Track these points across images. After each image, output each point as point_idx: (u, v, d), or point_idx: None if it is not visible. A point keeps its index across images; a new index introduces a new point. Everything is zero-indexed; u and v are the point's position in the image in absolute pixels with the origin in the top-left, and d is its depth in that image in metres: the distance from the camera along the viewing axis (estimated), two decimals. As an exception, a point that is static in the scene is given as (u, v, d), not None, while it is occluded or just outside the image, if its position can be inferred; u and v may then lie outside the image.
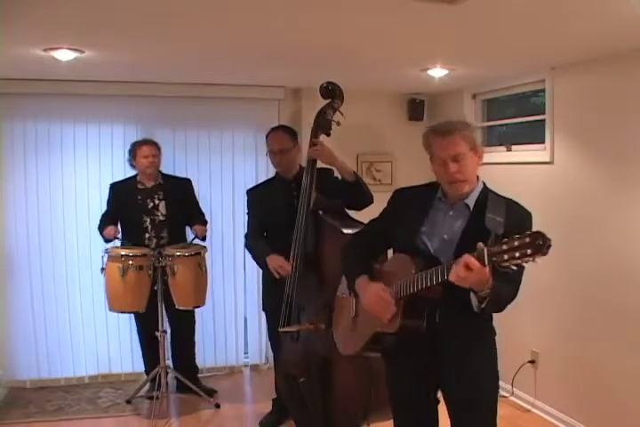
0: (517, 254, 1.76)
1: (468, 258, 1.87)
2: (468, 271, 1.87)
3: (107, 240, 4.05)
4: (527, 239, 1.75)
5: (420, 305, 2.15)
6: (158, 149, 4.21)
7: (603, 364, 3.51)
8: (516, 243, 1.77)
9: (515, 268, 1.81)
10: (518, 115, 4.42)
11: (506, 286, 2.03)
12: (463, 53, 3.44)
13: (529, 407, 4.07)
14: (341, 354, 2.64)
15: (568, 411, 3.76)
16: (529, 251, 1.74)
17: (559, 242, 3.66)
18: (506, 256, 1.79)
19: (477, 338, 2.25)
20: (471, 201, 2.22)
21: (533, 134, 4.12)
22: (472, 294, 2.01)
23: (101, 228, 4.08)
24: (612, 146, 3.42)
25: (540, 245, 1.72)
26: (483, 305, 1.99)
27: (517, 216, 2.13)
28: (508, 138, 4.54)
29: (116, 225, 4.08)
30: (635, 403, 3.28)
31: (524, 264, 1.78)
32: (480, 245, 1.86)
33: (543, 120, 3.95)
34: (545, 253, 1.73)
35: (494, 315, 2.30)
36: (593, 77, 3.52)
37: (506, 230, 1.95)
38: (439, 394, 2.38)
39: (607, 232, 3.45)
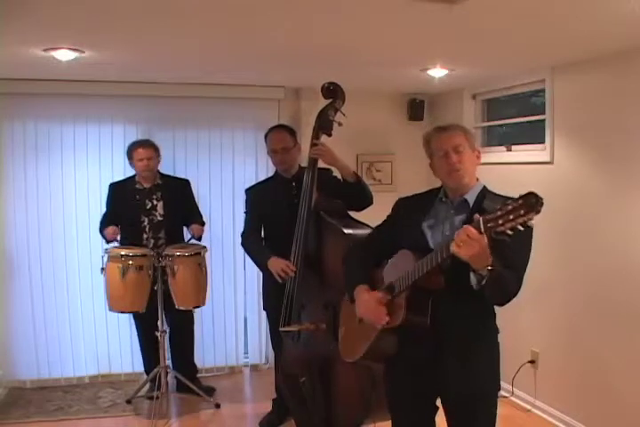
0: (512, 216, 1.79)
1: (467, 227, 1.90)
2: (468, 239, 1.89)
3: (108, 241, 4.05)
4: (520, 201, 1.78)
5: (423, 297, 2.16)
6: (155, 150, 4.17)
7: (603, 364, 3.51)
8: (509, 207, 1.80)
9: (510, 233, 1.82)
10: (518, 115, 4.42)
11: (506, 272, 2.03)
12: (463, 53, 3.44)
13: (529, 407, 4.07)
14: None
15: (568, 411, 3.76)
16: (522, 211, 1.77)
17: (559, 242, 3.71)
18: (501, 221, 1.82)
19: (479, 335, 2.24)
20: (471, 198, 2.24)
21: (533, 134, 4.12)
22: (472, 274, 2.02)
23: (102, 228, 4.08)
24: (611, 146, 3.42)
25: (534, 203, 1.75)
26: (483, 282, 1.99)
27: None
28: (508, 138, 4.55)
29: (117, 226, 4.07)
30: (635, 403, 3.28)
31: (520, 227, 1.80)
32: (476, 215, 1.90)
33: (543, 120, 3.95)
34: (538, 211, 1.75)
35: (497, 314, 2.31)
36: (593, 77, 3.52)
37: None
38: (438, 402, 2.36)
39: (607, 232, 3.45)
